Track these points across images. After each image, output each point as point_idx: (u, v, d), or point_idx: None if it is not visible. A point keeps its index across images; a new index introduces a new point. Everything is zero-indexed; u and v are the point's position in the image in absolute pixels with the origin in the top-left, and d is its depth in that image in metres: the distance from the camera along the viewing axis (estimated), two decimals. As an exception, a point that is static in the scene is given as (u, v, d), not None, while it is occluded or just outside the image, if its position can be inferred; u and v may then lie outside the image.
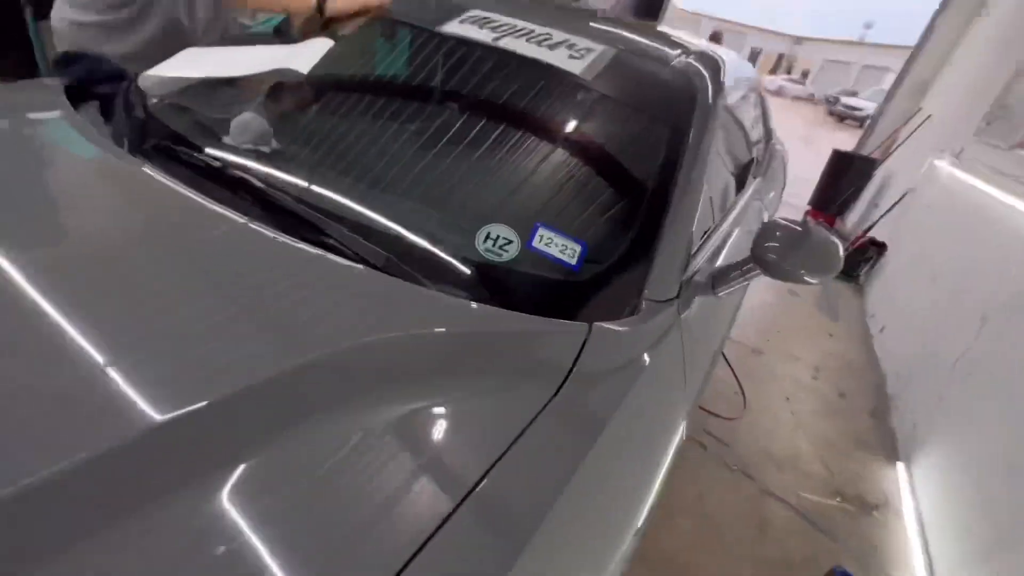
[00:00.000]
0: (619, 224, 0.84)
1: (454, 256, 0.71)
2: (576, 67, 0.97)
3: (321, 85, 1.03)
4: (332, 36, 1.16)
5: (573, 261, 0.73)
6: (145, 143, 0.83)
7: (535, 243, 0.73)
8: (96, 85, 1.11)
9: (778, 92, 24.50)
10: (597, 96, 0.95)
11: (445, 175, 0.83)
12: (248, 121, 0.91)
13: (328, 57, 1.05)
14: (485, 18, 1.09)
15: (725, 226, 1.21)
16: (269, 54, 1.07)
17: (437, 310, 0.60)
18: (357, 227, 0.71)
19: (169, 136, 0.86)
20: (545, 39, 1.03)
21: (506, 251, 0.72)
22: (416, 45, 1.07)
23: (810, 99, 25.17)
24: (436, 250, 0.71)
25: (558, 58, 0.98)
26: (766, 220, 1.72)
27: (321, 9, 1.12)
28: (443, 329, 0.57)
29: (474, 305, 0.62)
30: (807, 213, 4.73)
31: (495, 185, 0.85)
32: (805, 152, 8.61)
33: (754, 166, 1.73)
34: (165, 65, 1.07)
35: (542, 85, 0.96)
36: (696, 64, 1.07)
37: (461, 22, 1.08)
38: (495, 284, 0.70)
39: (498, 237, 0.73)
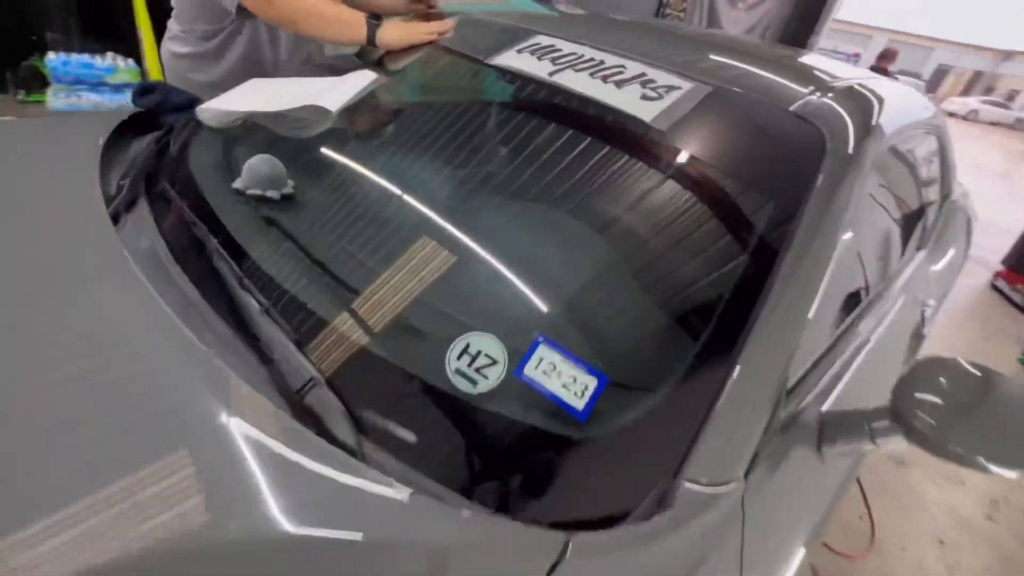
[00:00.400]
0: (668, 344, 0.58)
1: (411, 376, 0.52)
2: (647, 111, 0.72)
3: (343, 126, 0.92)
4: (383, 70, 1.06)
5: (579, 404, 0.50)
6: (141, 193, 0.77)
7: (529, 370, 0.51)
8: (166, 114, 1.14)
9: (970, 117, 20.39)
10: (672, 151, 0.70)
11: (432, 247, 0.65)
12: (259, 164, 0.82)
13: (366, 93, 0.94)
14: (549, 46, 0.90)
15: (862, 329, 0.86)
16: (311, 88, 1.00)
17: (301, 487, 0.41)
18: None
19: (173, 185, 0.79)
20: (616, 73, 0.80)
21: (484, 377, 0.51)
22: (460, 81, 0.91)
23: (1018, 125, 20.52)
24: (381, 359, 0.53)
25: (625, 99, 0.75)
26: (929, 310, 1.27)
27: (372, 42, 1.03)
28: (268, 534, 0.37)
29: (359, 482, 0.42)
30: (998, 274, 3.70)
31: (496, 268, 0.64)
32: (1003, 193, 6.93)
33: (921, 231, 1.29)
34: (221, 98, 1.05)
35: (594, 134, 0.74)
36: (834, 106, 0.76)
37: (519, 51, 0.90)
38: (443, 432, 0.49)
39: (478, 354, 0.52)
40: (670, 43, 0.98)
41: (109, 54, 2.92)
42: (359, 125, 0.92)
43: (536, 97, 0.82)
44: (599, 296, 0.60)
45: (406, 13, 1.44)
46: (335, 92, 0.93)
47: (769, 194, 0.64)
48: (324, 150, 0.90)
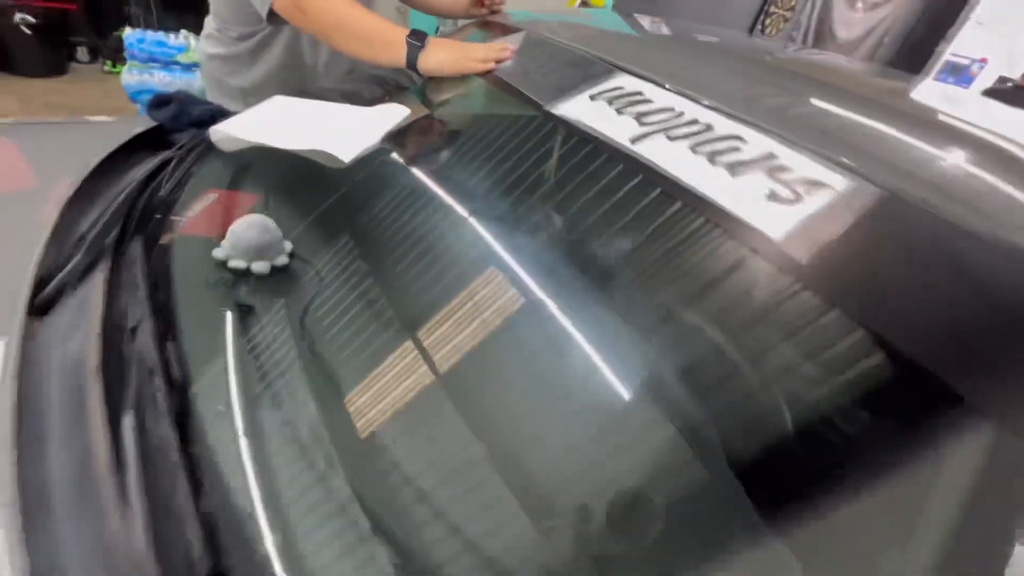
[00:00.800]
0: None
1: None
2: (775, 223, 0.48)
3: (356, 179, 0.73)
4: (424, 99, 0.86)
5: None
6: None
7: None
8: (182, 130, 1.00)
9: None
10: (811, 295, 0.45)
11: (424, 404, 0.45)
12: (245, 229, 0.65)
13: (391, 138, 0.74)
14: (634, 94, 0.66)
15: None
16: (335, 121, 0.82)
17: None
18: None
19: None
20: (730, 148, 0.56)
21: None
22: (509, 133, 0.69)
23: None
24: None
25: (742, 195, 0.51)
26: None
27: (412, 67, 0.83)
28: None
29: None
30: None
31: (524, 470, 0.43)
32: None
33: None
34: (235, 121, 0.89)
35: (692, 247, 0.50)
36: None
37: (593, 98, 0.67)
38: None
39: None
40: (813, 95, 0.70)
41: (182, 33, 2.92)
42: (372, 181, 0.73)
43: (609, 173, 0.59)
44: (669, 544, 0.38)
45: (467, 17, 1.24)
46: (353, 136, 0.74)
47: (980, 407, 0.38)
48: (327, 211, 0.72)
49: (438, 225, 0.63)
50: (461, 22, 1.30)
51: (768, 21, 3.72)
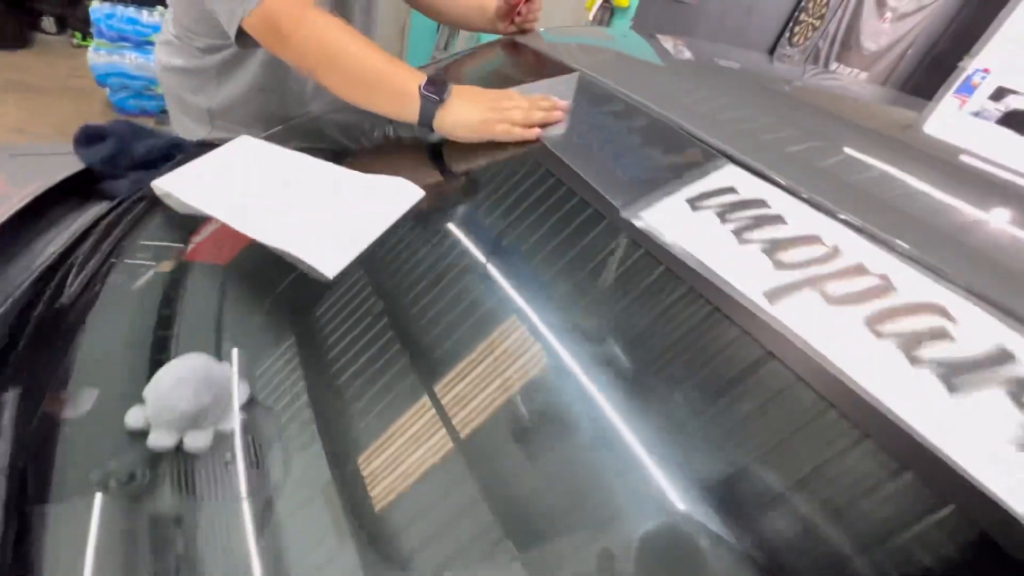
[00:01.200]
0: None
1: None
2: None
3: (341, 288, 0.51)
4: (447, 172, 0.64)
5: None
6: None
7: None
8: (119, 176, 0.77)
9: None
10: None
11: None
12: (173, 387, 0.43)
13: (397, 226, 0.53)
14: (754, 203, 0.45)
15: None
16: (321, 197, 0.60)
17: None
18: None
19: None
20: (933, 332, 0.36)
21: None
22: (565, 245, 0.48)
23: None
24: None
25: (969, 439, 0.31)
26: None
27: (428, 124, 0.60)
28: None
29: None
30: None
31: None
32: None
33: None
34: (184, 175, 0.67)
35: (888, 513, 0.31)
36: None
37: (695, 205, 0.46)
38: None
39: None
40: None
41: (157, 9, 2.61)
42: (375, 290, 0.52)
43: (737, 353, 0.38)
44: None
45: (489, 32, 1.02)
46: (344, 233, 0.52)
47: None
48: (305, 330, 0.50)
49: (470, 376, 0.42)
50: (482, 36, 1.08)
51: (797, 29, 3.50)
